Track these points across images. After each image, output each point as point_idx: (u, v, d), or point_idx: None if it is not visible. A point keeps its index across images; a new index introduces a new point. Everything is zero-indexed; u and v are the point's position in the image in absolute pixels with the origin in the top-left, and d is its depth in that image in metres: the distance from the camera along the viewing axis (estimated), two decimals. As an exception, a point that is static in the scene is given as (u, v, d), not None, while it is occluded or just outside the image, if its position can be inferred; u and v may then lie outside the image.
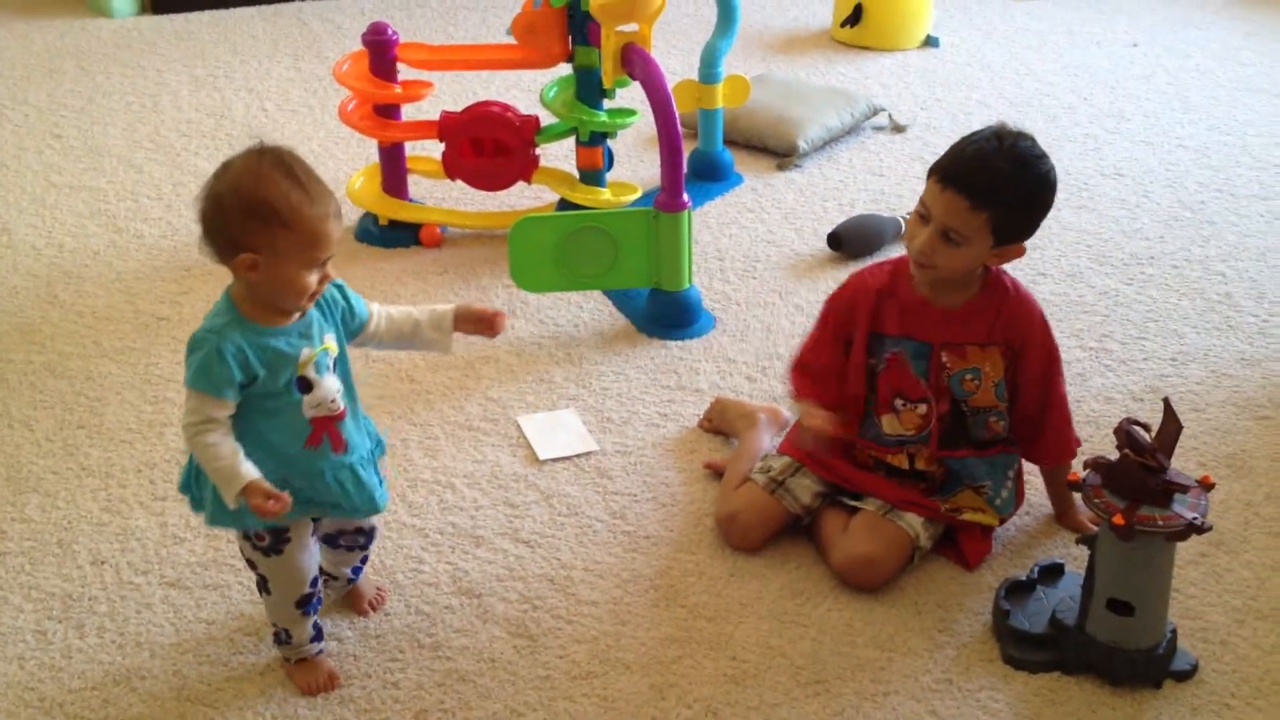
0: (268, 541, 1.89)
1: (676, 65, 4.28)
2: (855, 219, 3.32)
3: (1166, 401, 1.97)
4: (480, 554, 2.28)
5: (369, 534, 2.06)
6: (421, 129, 3.24)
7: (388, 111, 3.22)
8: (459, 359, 2.82)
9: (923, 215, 2.11)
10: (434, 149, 3.29)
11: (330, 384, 1.85)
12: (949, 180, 2.08)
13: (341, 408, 1.88)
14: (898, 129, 3.98)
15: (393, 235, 3.31)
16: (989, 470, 2.25)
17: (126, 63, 4.57)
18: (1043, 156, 2.10)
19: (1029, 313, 2.22)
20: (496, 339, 2.83)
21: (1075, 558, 2.21)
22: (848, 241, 3.25)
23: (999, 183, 2.06)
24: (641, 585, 2.21)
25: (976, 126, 3.91)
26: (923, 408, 2.22)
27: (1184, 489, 1.93)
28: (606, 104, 3.19)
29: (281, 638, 2.00)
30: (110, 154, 3.83)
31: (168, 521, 2.34)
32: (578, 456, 2.52)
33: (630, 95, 3.36)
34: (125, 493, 2.41)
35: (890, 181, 3.66)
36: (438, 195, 3.51)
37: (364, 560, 2.10)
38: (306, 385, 1.83)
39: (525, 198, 3.45)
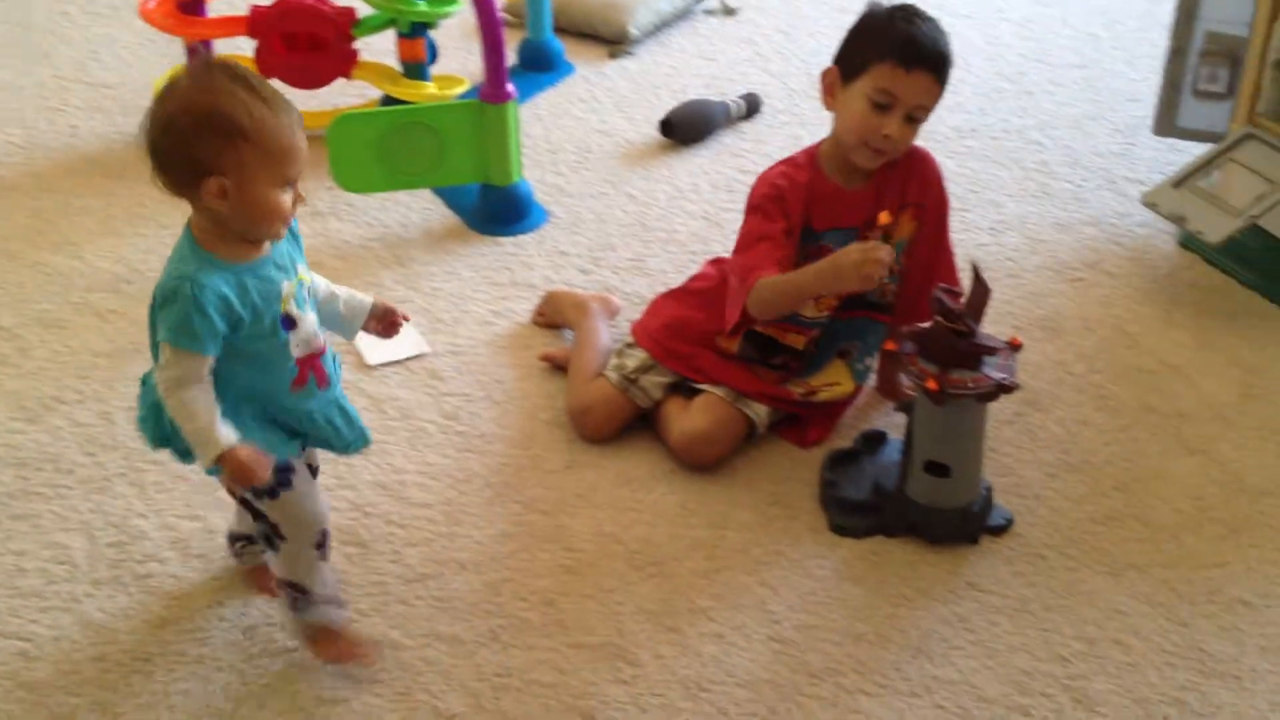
0: (272, 479, 1.70)
1: (501, -46, 4.19)
2: (686, 105, 3.31)
3: (975, 267, 2.01)
4: (310, 462, 2.25)
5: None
6: (229, 25, 3.12)
7: (192, 7, 3.09)
8: (283, 266, 2.76)
9: (881, 104, 2.09)
10: (247, 47, 3.18)
11: (311, 318, 1.71)
12: (914, 62, 2.06)
13: (323, 342, 1.74)
14: (728, 12, 3.96)
15: (209, 142, 3.19)
16: (863, 331, 2.29)
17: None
18: None
19: (931, 167, 2.25)
20: (321, 242, 2.81)
21: (897, 427, 2.26)
22: (679, 128, 3.24)
23: (946, 51, 2.10)
24: (476, 484, 2.21)
25: (805, 6, 3.96)
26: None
27: (993, 351, 1.98)
28: (424, -6, 3.11)
29: (299, 601, 1.83)
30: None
31: (-18, 450, 2.26)
32: (408, 360, 2.50)
33: (448, -14, 3.27)
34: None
35: (721, 66, 3.64)
36: (256, 98, 3.39)
37: None
38: (290, 322, 1.66)
39: (348, 95, 3.36)
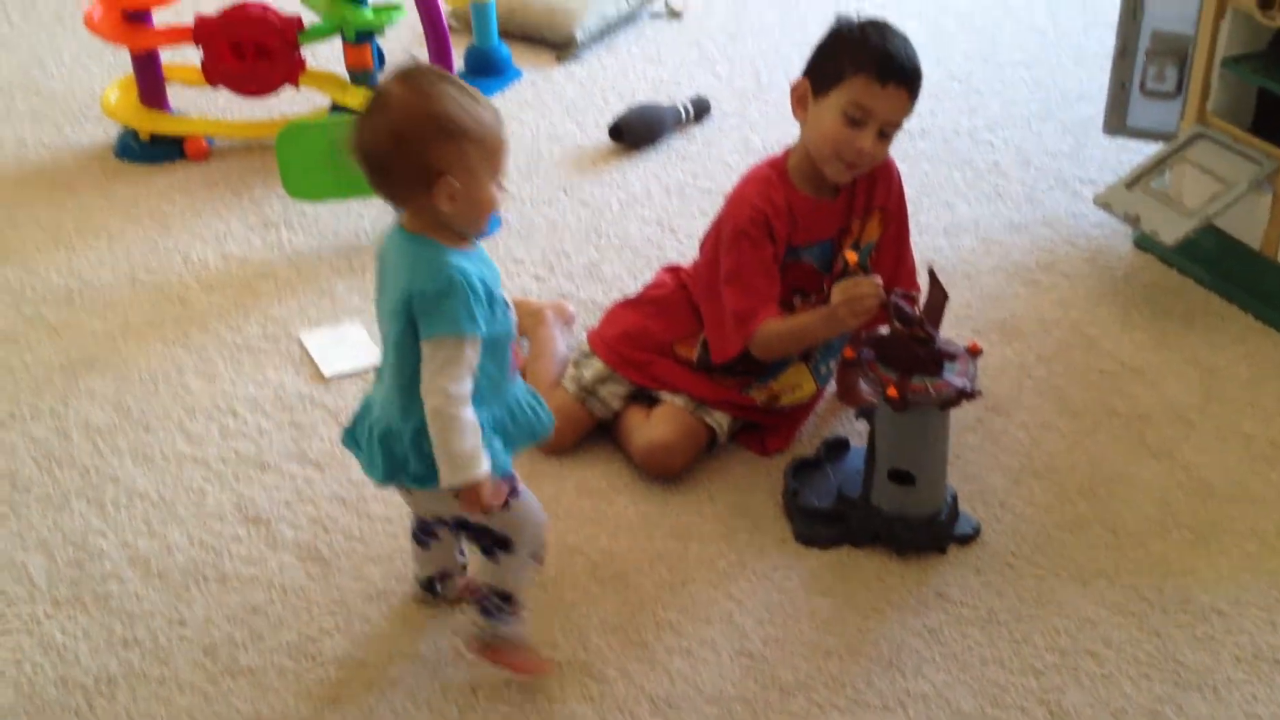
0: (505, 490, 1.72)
1: (447, -44, 4.15)
2: (635, 109, 3.29)
3: (932, 272, 2.01)
4: (267, 479, 2.22)
5: None
6: (175, 34, 3.07)
7: (137, 17, 3.04)
8: (233, 277, 2.72)
9: (855, 119, 2.06)
10: (194, 55, 3.13)
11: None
12: (890, 76, 2.04)
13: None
14: (674, 15, 3.95)
15: (156, 150, 3.14)
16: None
17: None
18: None
19: (892, 171, 2.24)
20: (273, 253, 2.77)
21: (859, 433, 2.26)
22: (629, 132, 3.22)
23: (919, 68, 2.08)
24: (436, 496, 2.18)
25: (751, 8, 3.95)
26: (814, 298, 2.22)
27: (953, 357, 1.98)
28: (371, 1, 3.07)
29: (502, 611, 1.82)
30: None
31: None
32: (365, 370, 2.46)
33: (396, -10, 3.24)
34: None
35: (669, 69, 3.63)
36: (202, 105, 3.34)
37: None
38: (506, 306, 1.70)
39: (296, 103, 3.32)
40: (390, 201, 1.67)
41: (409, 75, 1.63)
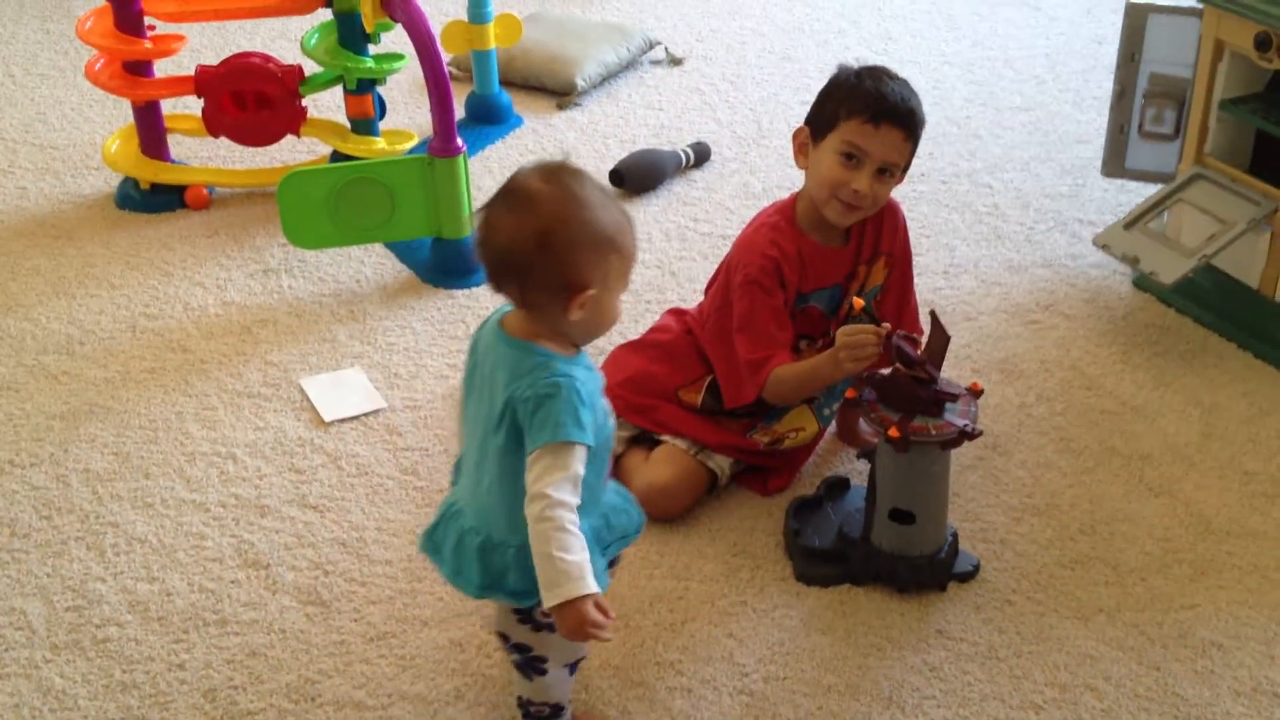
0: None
1: (447, 5, 4.19)
2: (636, 154, 3.31)
3: (933, 314, 2.02)
4: (266, 524, 2.21)
5: None
6: (176, 85, 3.09)
7: (138, 69, 3.06)
8: (234, 324, 2.73)
9: (851, 156, 2.10)
10: (196, 106, 3.15)
11: None
12: (882, 117, 2.08)
13: None
14: (675, 62, 3.97)
15: (156, 199, 3.15)
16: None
17: None
18: None
19: (897, 215, 2.26)
20: (274, 299, 2.78)
21: (860, 473, 2.25)
22: (629, 178, 3.24)
23: (916, 109, 2.12)
24: (436, 539, 2.18)
25: (751, 56, 3.99)
26: (820, 342, 2.24)
27: (954, 398, 1.98)
28: (372, 49, 3.10)
29: (547, 715, 1.76)
30: None
31: None
32: (365, 415, 2.47)
33: (399, 39, 3.26)
34: None
35: (670, 115, 3.65)
36: (204, 155, 3.36)
37: None
38: (607, 414, 1.63)
39: (298, 152, 3.34)
40: (513, 300, 1.57)
41: (554, 174, 1.54)
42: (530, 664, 1.70)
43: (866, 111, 2.08)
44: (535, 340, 1.57)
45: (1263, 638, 1.98)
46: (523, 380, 1.52)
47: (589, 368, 1.61)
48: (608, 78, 3.84)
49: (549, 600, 1.49)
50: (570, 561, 1.48)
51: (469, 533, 1.62)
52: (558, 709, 1.77)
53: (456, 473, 1.72)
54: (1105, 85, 2.94)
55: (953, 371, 2.46)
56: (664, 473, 2.21)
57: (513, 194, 1.53)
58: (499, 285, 1.56)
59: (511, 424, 1.53)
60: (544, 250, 1.50)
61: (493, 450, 1.57)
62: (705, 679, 1.92)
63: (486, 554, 1.60)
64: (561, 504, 1.49)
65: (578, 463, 1.51)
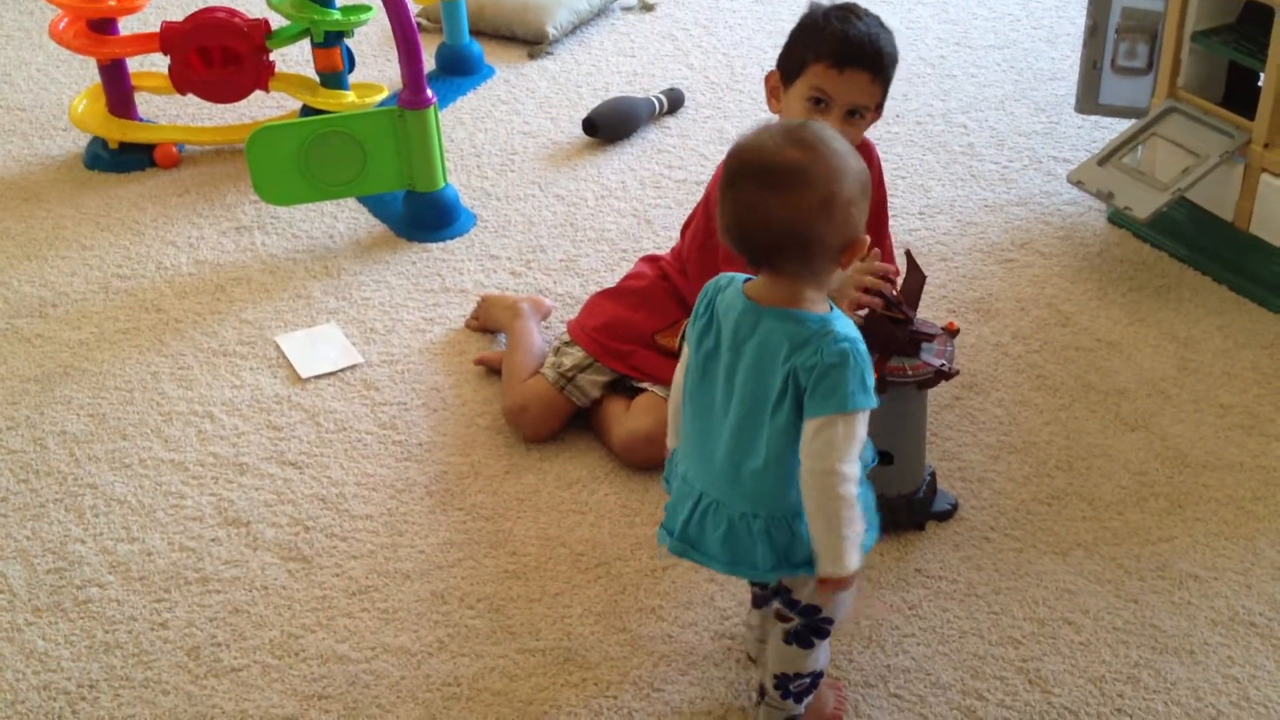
0: None
1: (416, -42, 4.14)
2: (609, 103, 3.29)
3: (909, 254, 2.01)
4: (245, 481, 2.21)
5: None
6: (141, 42, 3.06)
7: (103, 26, 3.02)
8: (207, 282, 2.71)
9: (819, 100, 2.07)
10: (163, 64, 3.12)
11: None
12: (846, 61, 2.05)
13: None
14: (646, 8, 3.94)
15: (125, 159, 3.13)
16: None
17: None
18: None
19: (873, 157, 2.23)
20: (247, 257, 2.77)
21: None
22: (603, 126, 3.22)
23: (884, 47, 2.08)
24: (417, 493, 2.18)
25: (725, 2, 3.95)
26: None
27: (930, 337, 1.97)
28: (339, 1, 3.06)
29: (807, 690, 1.71)
30: None
31: None
32: (342, 371, 2.46)
33: (364, -9, 3.23)
34: None
35: (642, 62, 3.63)
36: (172, 112, 3.33)
37: None
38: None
39: (267, 107, 3.31)
40: (785, 273, 1.50)
41: (804, 140, 1.47)
42: (815, 627, 1.65)
43: (831, 55, 2.05)
44: (800, 306, 1.51)
45: (1239, 568, 1.99)
46: (805, 349, 1.47)
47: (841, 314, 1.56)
48: (579, 25, 3.81)
49: (826, 571, 1.50)
50: (852, 536, 1.48)
51: (744, 518, 1.56)
52: (817, 678, 1.71)
53: (672, 466, 1.66)
54: (1078, 21, 2.94)
55: (929, 311, 2.46)
56: (645, 421, 2.21)
57: (772, 171, 1.46)
58: (772, 263, 1.50)
59: (794, 397, 1.49)
60: (828, 218, 1.45)
61: (772, 430, 1.51)
62: (687, 623, 1.93)
63: (772, 535, 1.56)
64: (852, 479, 1.47)
65: (864, 427, 1.48)
